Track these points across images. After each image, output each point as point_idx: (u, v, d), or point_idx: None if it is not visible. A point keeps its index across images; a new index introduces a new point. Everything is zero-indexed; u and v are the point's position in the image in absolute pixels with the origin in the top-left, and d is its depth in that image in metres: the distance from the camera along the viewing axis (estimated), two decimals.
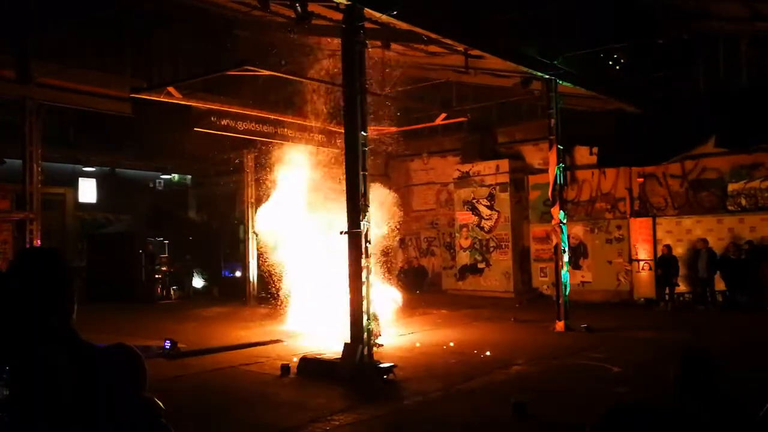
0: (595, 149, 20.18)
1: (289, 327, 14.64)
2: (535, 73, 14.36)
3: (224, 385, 9.69)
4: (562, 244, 14.57)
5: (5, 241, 16.98)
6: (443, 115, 17.59)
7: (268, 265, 16.08)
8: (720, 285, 17.28)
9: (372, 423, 7.84)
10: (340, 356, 9.97)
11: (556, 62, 14.28)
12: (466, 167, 22.40)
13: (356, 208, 9.99)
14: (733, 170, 18.10)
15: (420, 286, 23.09)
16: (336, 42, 11.29)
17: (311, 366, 10.13)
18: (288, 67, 13.36)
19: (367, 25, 10.42)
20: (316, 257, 15.07)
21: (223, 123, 14.95)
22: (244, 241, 21.69)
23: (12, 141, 14.79)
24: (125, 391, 2.19)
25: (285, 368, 10.15)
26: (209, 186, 27.81)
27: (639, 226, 19.27)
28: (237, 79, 14.18)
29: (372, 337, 10.21)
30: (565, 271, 14.57)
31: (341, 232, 10.27)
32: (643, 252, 19.12)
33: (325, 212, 14.33)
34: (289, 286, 15.74)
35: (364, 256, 9.92)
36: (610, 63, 14.83)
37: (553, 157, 14.70)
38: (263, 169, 16.74)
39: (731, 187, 18.03)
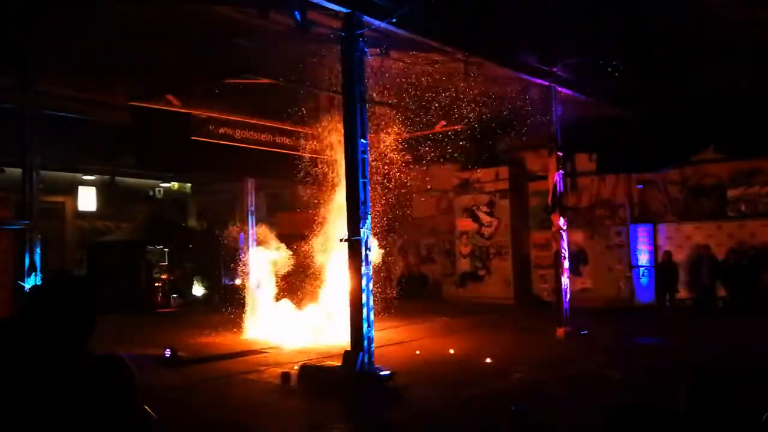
0: (594, 156, 20.20)
1: (289, 334, 14.61)
2: (534, 80, 14.39)
3: (225, 393, 9.67)
4: (563, 250, 14.56)
5: (5, 251, 16.94)
6: (442, 123, 17.58)
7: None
8: (721, 291, 17.28)
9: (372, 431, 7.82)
10: (340, 364, 9.95)
11: (555, 69, 14.31)
12: (465, 174, 22.41)
13: (356, 216, 9.99)
14: (733, 176, 18.11)
15: (420, 294, 23.05)
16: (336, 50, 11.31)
17: (312, 374, 10.11)
18: (288, 75, 13.37)
19: (367, 33, 10.44)
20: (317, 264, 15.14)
21: (220, 131, 14.91)
22: (245, 249, 21.66)
23: (11, 149, 14.77)
24: (118, 401, 2.19)
25: (285, 376, 10.14)
26: (209, 194, 27.85)
27: (639, 233, 19.27)
28: (236, 89, 14.17)
29: None
30: (565, 278, 14.56)
31: (341, 240, 10.27)
32: (643, 258, 19.11)
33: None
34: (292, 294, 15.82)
35: (363, 263, 9.91)
36: (610, 70, 14.85)
37: (552, 164, 14.72)
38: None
39: (731, 193, 18.04)
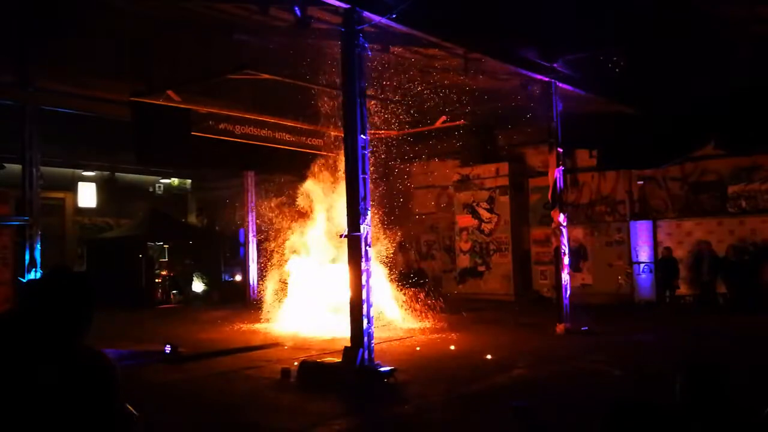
0: (594, 152, 20.18)
1: (290, 330, 14.63)
2: (534, 75, 14.36)
3: (225, 389, 9.66)
4: (563, 246, 14.55)
5: (5, 247, 16.97)
6: (443, 118, 17.57)
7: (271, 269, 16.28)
8: (721, 287, 17.28)
9: (372, 428, 7.82)
10: (340, 360, 9.95)
11: (555, 65, 14.28)
12: (466, 170, 22.39)
13: (356, 211, 9.98)
14: (733, 172, 18.11)
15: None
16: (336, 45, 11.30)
17: (312, 370, 10.10)
18: (289, 70, 13.37)
19: (367, 28, 10.42)
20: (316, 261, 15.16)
21: (221, 127, 14.93)
22: (245, 245, 21.70)
23: (11, 146, 14.78)
24: (100, 400, 2.20)
25: (285, 372, 10.12)
26: (209, 190, 27.84)
27: (639, 229, 19.26)
28: (236, 85, 14.16)
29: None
30: (565, 274, 14.55)
31: (341, 236, 10.26)
32: (643, 254, 19.10)
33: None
34: (290, 289, 15.83)
35: (364, 259, 9.90)
36: (610, 65, 14.83)
37: (552, 159, 14.69)
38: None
39: (731, 189, 18.03)
